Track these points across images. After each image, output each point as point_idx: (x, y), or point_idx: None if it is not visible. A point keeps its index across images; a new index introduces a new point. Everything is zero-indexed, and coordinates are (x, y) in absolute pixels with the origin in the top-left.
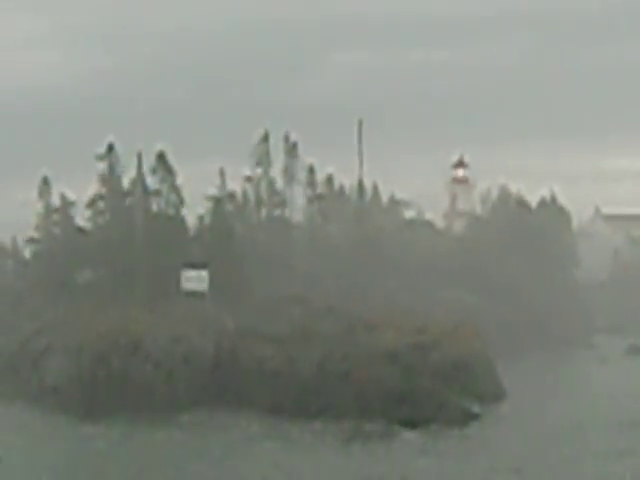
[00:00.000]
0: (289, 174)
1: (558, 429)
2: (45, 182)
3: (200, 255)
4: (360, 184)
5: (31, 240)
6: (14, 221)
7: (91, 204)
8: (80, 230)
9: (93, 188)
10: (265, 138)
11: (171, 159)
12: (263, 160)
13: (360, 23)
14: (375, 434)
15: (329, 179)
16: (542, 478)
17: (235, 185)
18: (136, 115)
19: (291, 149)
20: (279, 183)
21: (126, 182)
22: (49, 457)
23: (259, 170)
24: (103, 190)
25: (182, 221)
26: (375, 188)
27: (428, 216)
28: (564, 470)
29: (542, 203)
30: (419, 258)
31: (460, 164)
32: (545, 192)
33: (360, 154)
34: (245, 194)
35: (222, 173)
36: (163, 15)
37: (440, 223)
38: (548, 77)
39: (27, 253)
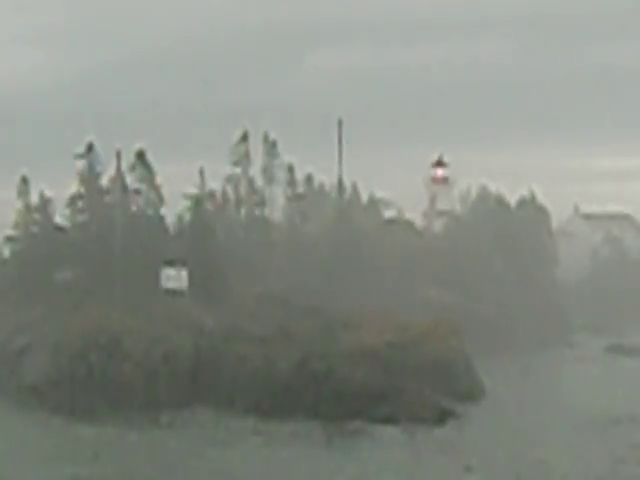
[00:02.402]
0: (269, 173)
1: (534, 429)
2: (24, 181)
3: (179, 254)
4: (340, 183)
5: (10, 239)
6: None
7: (70, 203)
8: (59, 229)
9: (72, 187)
10: (244, 137)
11: (150, 158)
12: (242, 159)
13: (340, 23)
14: (354, 432)
15: (309, 178)
16: (512, 477)
17: (215, 184)
18: (115, 114)
19: (270, 148)
20: (259, 182)
21: (105, 181)
22: (27, 456)
23: (238, 169)
24: (82, 189)
25: (161, 220)
26: (355, 187)
27: (408, 215)
28: (536, 470)
29: (521, 202)
30: (399, 257)
31: (439, 163)
32: (524, 191)
33: (340, 153)
34: (225, 193)
35: (202, 172)
36: (143, 16)
37: (420, 222)
38: (529, 77)
39: (6, 252)
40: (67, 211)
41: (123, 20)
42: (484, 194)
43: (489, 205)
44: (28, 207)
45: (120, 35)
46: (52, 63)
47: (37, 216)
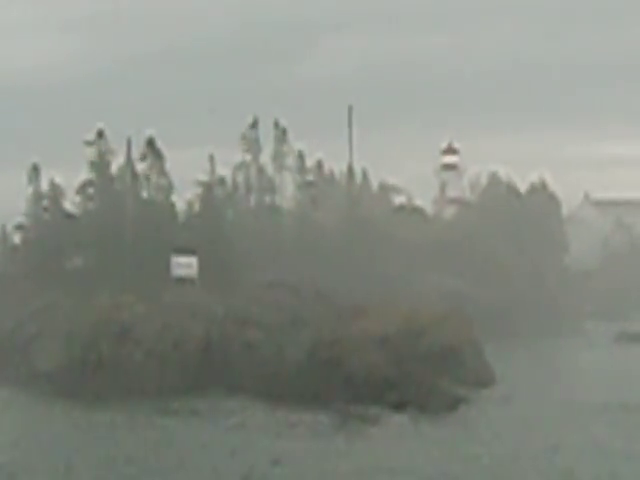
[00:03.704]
0: (279, 160)
1: (544, 416)
2: (34, 168)
3: (190, 241)
4: (350, 170)
5: (20, 226)
6: (3, 207)
7: (80, 190)
8: (69, 216)
9: (82, 174)
10: (254, 124)
11: (160, 145)
12: (252, 146)
13: (353, 7)
14: (364, 419)
15: (319, 165)
16: (523, 466)
17: (225, 171)
18: (125, 101)
19: (280, 135)
20: (269, 169)
21: (115, 168)
22: (39, 442)
23: (249, 156)
24: (92, 176)
25: (171, 207)
26: (365, 174)
27: (418, 202)
28: (546, 459)
29: (532, 189)
30: (409, 244)
31: (450, 150)
32: (535, 178)
33: (350, 140)
34: (235, 180)
35: (212, 159)
36: (153, 2)
37: (430, 209)
38: (541, 63)
39: (16, 239)
40: (77, 198)
41: (135, 6)
42: (494, 181)
43: (499, 192)
44: (38, 194)
45: (131, 21)
46: (63, 50)
47: (47, 203)
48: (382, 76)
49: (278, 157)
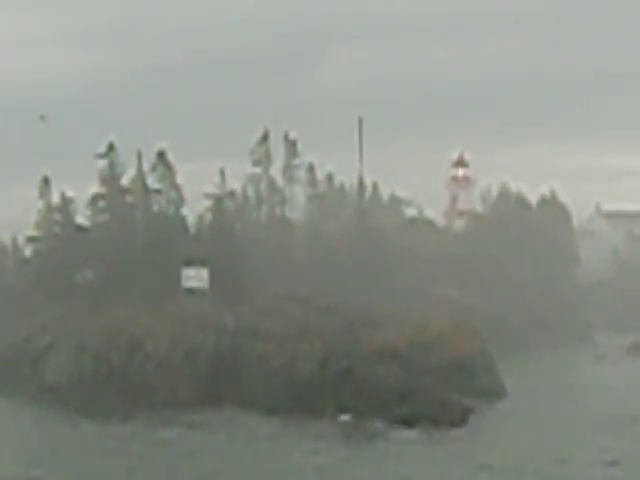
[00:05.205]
0: (289, 173)
1: (554, 428)
2: (45, 181)
3: (200, 253)
4: (360, 182)
5: (32, 239)
6: (15, 220)
7: (91, 203)
8: (80, 229)
9: (93, 187)
10: (265, 137)
11: (171, 158)
12: (263, 159)
13: (361, 20)
14: (375, 433)
15: (329, 177)
16: (536, 478)
17: (235, 184)
18: (136, 114)
19: (291, 147)
20: (279, 181)
21: (126, 181)
22: (50, 455)
23: (259, 169)
24: (103, 189)
25: (182, 219)
26: (375, 186)
27: (428, 214)
28: (556, 472)
29: (542, 201)
30: (419, 257)
31: (460, 162)
32: (545, 190)
33: (360, 152)
34: (245, 193)
35: (222, 172)
36: (162, 13)
37: (440, 221)
38: (549, 75)
39: (28, 252)
40: (88, 211)
41: (144, 19)
42: (505, 193)
43: (510, 204)
44: (49, 207)
45: (141, 34)
46: (74, 63)
47: (58, 216)
48: (392, 88)
49: (288, 170)
